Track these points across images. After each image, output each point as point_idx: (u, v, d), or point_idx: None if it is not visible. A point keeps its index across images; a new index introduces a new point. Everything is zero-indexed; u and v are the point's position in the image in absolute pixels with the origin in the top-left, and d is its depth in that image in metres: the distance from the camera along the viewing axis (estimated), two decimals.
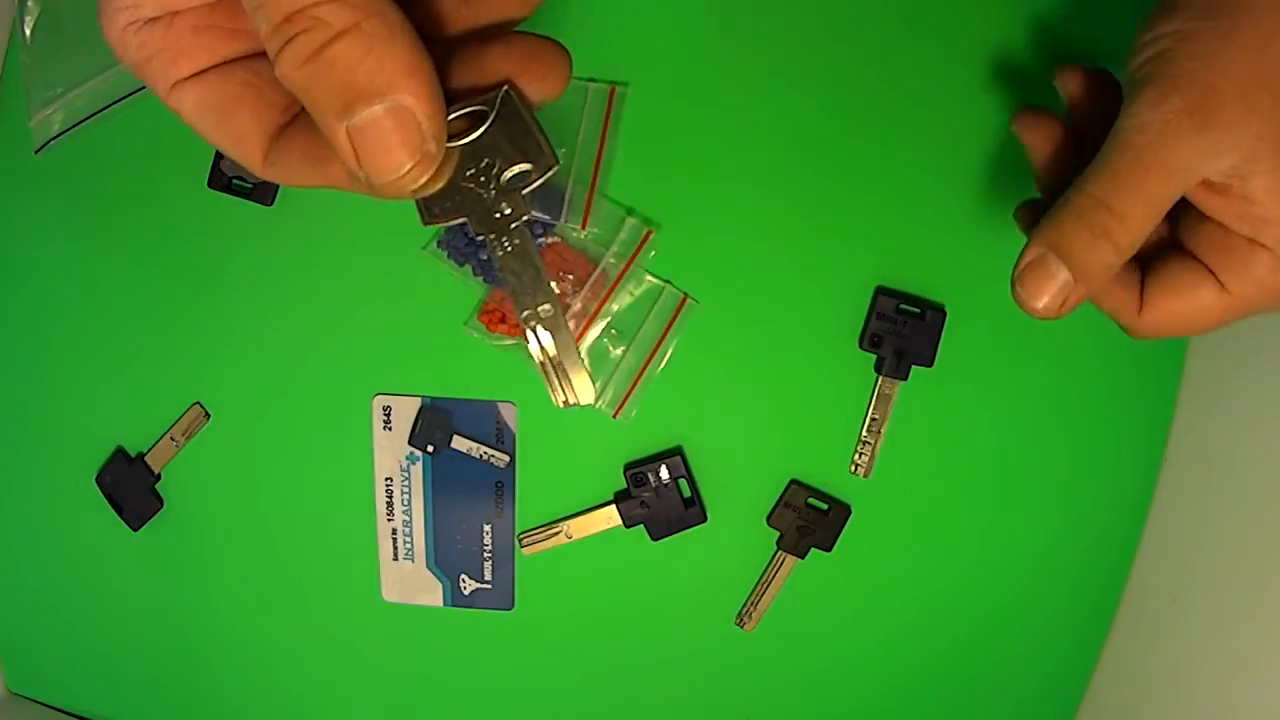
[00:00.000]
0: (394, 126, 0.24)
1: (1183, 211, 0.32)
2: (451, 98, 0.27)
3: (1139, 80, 0.30)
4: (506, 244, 0.29)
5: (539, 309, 0.29)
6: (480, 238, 0.29)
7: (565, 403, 0.31)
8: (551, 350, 0.30)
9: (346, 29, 0.23)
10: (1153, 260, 0.33)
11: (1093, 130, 0.35)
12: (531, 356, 0.30)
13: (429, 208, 0.29)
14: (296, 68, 0.24)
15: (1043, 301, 0.32)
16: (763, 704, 0.49)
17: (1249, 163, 0.29)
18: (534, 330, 0.30)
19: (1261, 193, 0.29)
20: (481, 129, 0.27)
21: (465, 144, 0.27)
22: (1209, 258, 0.31)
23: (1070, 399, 0.47)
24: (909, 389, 0.47)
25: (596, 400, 0.47)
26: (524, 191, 0.28)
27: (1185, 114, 0.29)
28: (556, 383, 0.31)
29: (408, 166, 0.25)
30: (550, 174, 0.28)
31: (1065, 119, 0.36)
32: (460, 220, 0.28)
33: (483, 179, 0.28)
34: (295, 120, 0.29)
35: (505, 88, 0.27)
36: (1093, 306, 0.34)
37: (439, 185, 0.27)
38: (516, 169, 0.28)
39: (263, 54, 0.27)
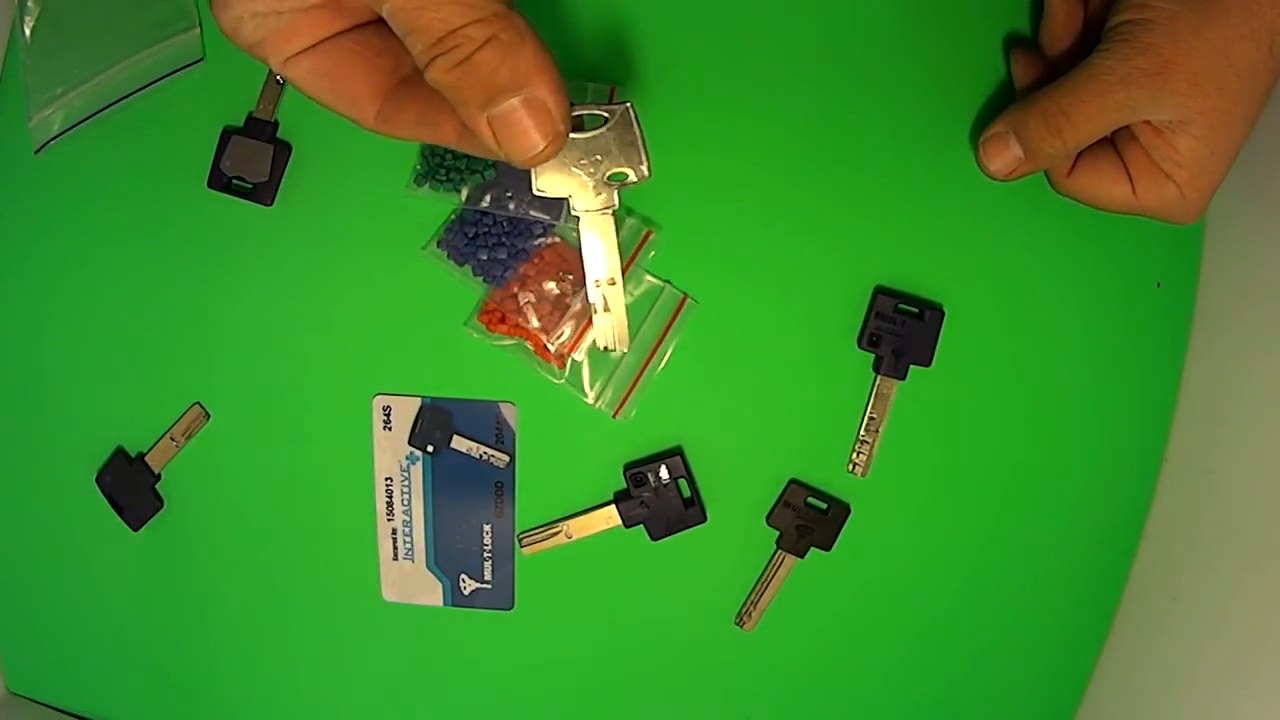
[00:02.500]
0: (528, 114, 0.30)
1: (1125, 127, 0.40)
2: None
3: (1120, 35, 0.37)
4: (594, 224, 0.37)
5: (609, 278, 0.38)
6: (576, 214, 0.36)
7: (606, 347, 0.40)
8: (607, 307, 0.39)
9: (488, 39, 0.28)
10: (1092, 144, 0.41)
11: (1064, 59, 0.43)
12: (593, 305, 0.39)
13: (540, 178, 0.35)
14: (447, 72, 0.29)
15: (995, 166, 0.42)
16: (762, 704, 0.49)
17: (1183, 123, 0.37)
18: (599, 291, 0.38)
19: (1185, 147, 0.38)
20: (599, 130, 0.35)
21: (583, 138, 0.35)
22: (1132, 167, 0.40)
23: (1069, 399, 0.47)
24: (907, 388, 0.47)
25: (596, 400, 0.48)
26: (618, 190, 0.36)
27: (1146, 72, 0.36)
28: (606, 333, 0.39)
29: (541, 146, 0.31)
30: (643, 182, 0.36)
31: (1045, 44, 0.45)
32: (564, 196, 0.36)
33: (591, 170, 0.35)
34: (407, 83, 0.34)
35: (628, 104, 0.35)
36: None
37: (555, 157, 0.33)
38: (617, 169, 0.35)
39: (367, 25, 0.33)
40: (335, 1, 0.32)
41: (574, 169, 0.35)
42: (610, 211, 0.36)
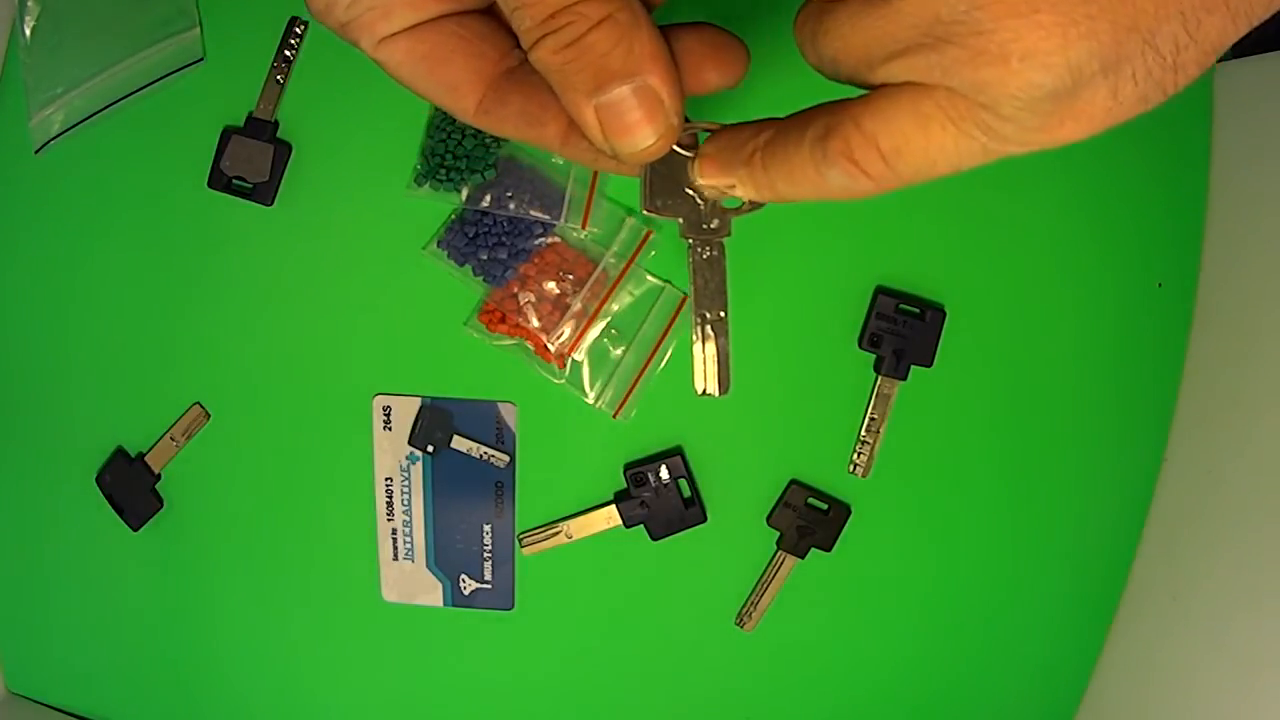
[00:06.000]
0: (639, 103, 0.28)
1: None
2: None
3: None
4: (705, 251, 0.34)
5: (718, 313, 0.35)
6: (687, 239, 0.33)
7: (704, 391, 0.36)
8: (713, 349, 0.35)
9: (603, 19, 0.26)
10: None
11: None
12: (693, 347, 0.35)
13: (653, 197, 0.32)
14: (555, 52, 0.27)
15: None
16: (763, 704, 0.49)
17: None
18: (706, 328, 0.35)
19: None
20: None
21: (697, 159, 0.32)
22: None
23: (1070, 399, 0.47)
24: (908, 389, 0.47)
25: (596, 400, 0.48)
26: (733, 218, 0.33)
27: None
28: (704, 373, 0.35)
29: (652, 139, 0.28)
30: (759, 210, 0.32)
31: None
32: (675, 219, 0.33)
33: (704, 193, 0.33)
34: (513, 76, 0.31)
35: None
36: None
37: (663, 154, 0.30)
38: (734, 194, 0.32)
39: (471, 12, 0.30)
40: None
41: (688, 190, 0.32)
42: (723, 239, 0.34)
